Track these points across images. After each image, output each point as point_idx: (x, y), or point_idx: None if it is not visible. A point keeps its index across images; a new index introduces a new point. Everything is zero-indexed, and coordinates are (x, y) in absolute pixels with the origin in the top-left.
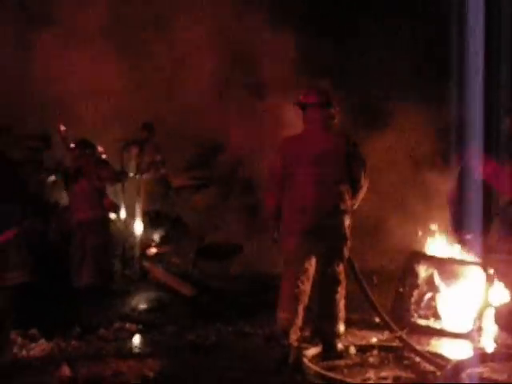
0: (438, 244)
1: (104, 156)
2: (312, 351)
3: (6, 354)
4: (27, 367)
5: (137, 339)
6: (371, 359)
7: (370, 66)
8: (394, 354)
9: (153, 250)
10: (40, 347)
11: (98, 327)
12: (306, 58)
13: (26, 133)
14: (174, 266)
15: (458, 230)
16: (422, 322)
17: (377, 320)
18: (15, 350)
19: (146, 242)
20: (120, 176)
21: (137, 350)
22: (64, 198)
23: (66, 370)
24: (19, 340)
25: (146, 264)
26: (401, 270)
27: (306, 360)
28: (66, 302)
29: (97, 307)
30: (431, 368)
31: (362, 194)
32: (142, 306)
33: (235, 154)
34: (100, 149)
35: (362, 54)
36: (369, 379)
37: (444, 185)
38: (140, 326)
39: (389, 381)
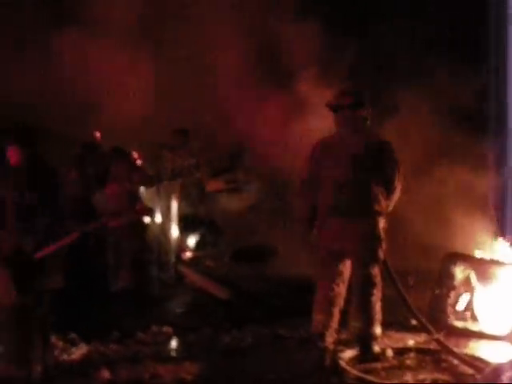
0: (477, 245)
1: (139, 161)
2: (348, 354)
3: (47, 357)
4: (68, 371)
5: (174, 342)
6: (408, 362)
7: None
8: (432, 357)
9: (188, 254)
10: (80, 351)
11: (135, 331)
12: (333, 57)
13: (71, 138)
14: (209, 270)
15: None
16: (460, 324)
17: (413, 322)
18: (56, 353)
19: (181, 246)
20: (152, 180)
21: (174, 354)
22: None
23: (105, 373)
24: (60, 344)
25: (182, 268)
26: (437, 271)
27: (342, 363)
28: (104, 306)
29: (134, 311)
30: (470, 371)
31: (396, 196)
32: (179, 310)
33: (266, 156)
34: (135, 154)
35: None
36: (406, 382)
37: (482, 183)
38: (177, 330)
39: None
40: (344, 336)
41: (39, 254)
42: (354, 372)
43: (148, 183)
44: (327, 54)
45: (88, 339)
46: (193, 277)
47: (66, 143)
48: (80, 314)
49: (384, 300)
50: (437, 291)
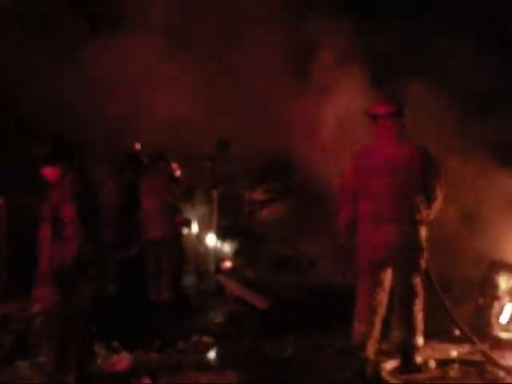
0: None
1: (178, 172)
2: (390, 364)
3: (90, 365)
4: (110, 379)
5: (214, 352)
6: (452, 373)
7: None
8: (476, 368)
9: (227, 264)
10: (116, 357)
11: (176, 340)
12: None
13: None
14: (248, 279)
15: None
16: (505, 335)
17: (457, 333)
18: (99, 361)
19: (220, 256)
20: (192, 193)
21: (214, 363)
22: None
23: (147, 382)
24: (102, 352)
25: (221, 278)
26: (480, 280)
27: (383, 374)
28: (145, 315)
29: (174, 321)
30: None
31: (438, 205)
32: (218, 320)
33: (305, 165)
34: (174, 165)
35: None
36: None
37: None
38: (217, 339)
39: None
40: (385, 346)
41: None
42: (396, 383)
43: (188, 197)
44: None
45: (130, 348)
46: (232, 286)
47: (105, 154)
48: (122, 323)
49: (426, 310)
50: (480, 301)
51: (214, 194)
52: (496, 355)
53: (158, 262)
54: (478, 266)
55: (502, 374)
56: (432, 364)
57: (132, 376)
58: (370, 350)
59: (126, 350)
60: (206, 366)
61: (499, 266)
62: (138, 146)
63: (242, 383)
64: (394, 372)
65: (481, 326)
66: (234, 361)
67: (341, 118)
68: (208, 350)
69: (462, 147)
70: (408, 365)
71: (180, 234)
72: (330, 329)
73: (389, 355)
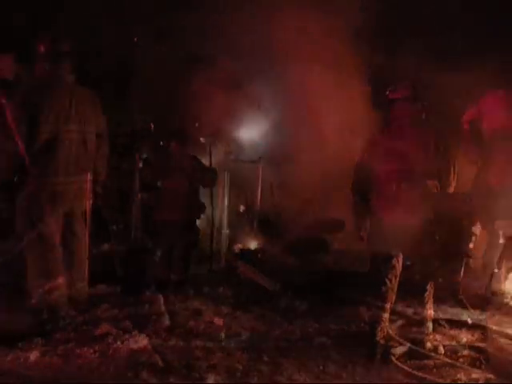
0: None
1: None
2: (399, 349)
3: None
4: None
5: (224, 334)
6: (461, 360)
7: None
8: (485, 355)
9: (239, 246)
10: (133, 339)
11: (187, 321)
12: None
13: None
14: (260, 262)
15: None
16: None
17: (468, 321)
18: (110, 340)
19: (232, 239)
20: (215, 179)
21: (224, 344)
22: None
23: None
24: (113, 331)
25: (233, 260)
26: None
27: (393, 358)
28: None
29: (186, 302)
30: None
31: (451, 190)
32: (230, 302)
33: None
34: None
35: None
36: (459, 380)
37: None
38: (227, 321)
39: (480, 382)
40: (396, 331)
41: None
42: (405, 368)
43: (214, 181)
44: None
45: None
46: (243, 269)
47: None
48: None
49: (436, 296)
50: (496, 271)
51: (227, 175)
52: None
53: (170, 243)
54: None
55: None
56: (441, 350)
57: (143, 355)
58: (380, 334)
59: (137, 329)
60: (216, 347)
61: None
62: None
63: (250, 364)
64: (404, 357)
65: (494, 295)
66: (245, 343)
67: None
68: (218, 331)
69: None
70: (418, 350)
71: (194, 218)
72: (340, 313)
73: (398, 340)
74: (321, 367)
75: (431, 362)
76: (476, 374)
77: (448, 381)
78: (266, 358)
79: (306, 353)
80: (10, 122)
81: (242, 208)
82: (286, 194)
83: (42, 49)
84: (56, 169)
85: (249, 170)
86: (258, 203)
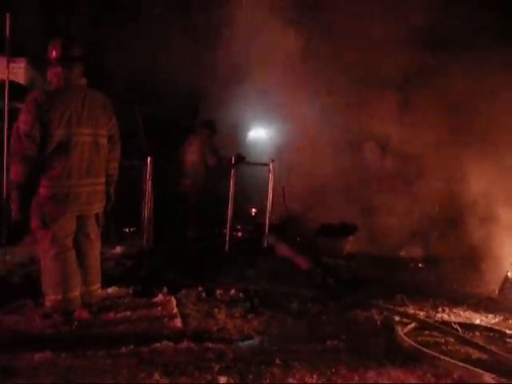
0: None
1: None
2: (411, 325)
3: None
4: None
5: (249, 303)
6: (474, 339)
7: None
8: (498, 337)
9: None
10: (146, 340)
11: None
12: None
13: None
14: (294, 243)
15: None
16: None
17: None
18: (122, 342)
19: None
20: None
21: (245, 313)
22: None
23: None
24: (127, 333)
25: (272, 239)
26: None
27: (400, 333)
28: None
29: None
30: None
31: None
32: (262, 275)
33: None
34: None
35: None
36: (468, 359)
37: None
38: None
39: (487, 362)
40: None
41: None
42: (411, 343)
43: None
44: None
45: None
46: (280, 247)
47: None
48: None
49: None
50: (509, 274)
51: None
52: None
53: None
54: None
55: None
56: (454, 328)
57: (165, 317)
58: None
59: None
60: (237, 314)
61: None
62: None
63: (266, 331)
64: (415, 332)
65: (507, 298)
66: (265, 313)
67: None
68: (244, 300)
69: None
70: (428, 326)
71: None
72: (361, 291)
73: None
74: (333, 370)
75: (442, 340)
76: (487, 377)
77: (456, 359)
78: (277, 361)
79: (317, 355)
80: (22, 126)
81: (253, 211)
82: (297, 197)
83: (54, 54)
84: (69, 171)
85: (260, 173)
86: (269, 207)
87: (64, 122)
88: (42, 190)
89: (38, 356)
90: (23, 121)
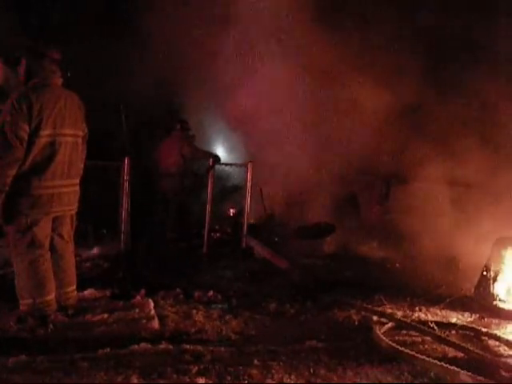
0: None
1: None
2: (389, 325)
3: None
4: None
5: (227, 305)
6: (450, 338)
7: None
8: (474, 335)
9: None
10: (123, 343)
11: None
12: None
13: None
14: (273, 244)
15: None
16: (505, 306)
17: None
18: (99, 344)
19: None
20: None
21: (223, 314)
22: None
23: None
24: (103, 336)
25: (250, 240)
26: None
27: (378, 332)
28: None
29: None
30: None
31: None
32: (240, 275)
33: None
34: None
35: None
36: (444, 357)
37: None
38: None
39: (463, 360)
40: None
41: None
42: (388, 342)
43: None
44: None
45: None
46: (257, 247)
47: None
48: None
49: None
50: (484, 273)
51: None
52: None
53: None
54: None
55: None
56: (431, 327)
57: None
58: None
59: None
60: (215, 315)
61: (506, 241)
62: None
63: (244, 332)
64: (392, 331)
65: (483, 297)
66: (243, 314)
67: None
68: (222, 302)
69: None
70: (405, 326)
71: None
72: (336, 291)
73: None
74: (311, 370)
75: (419, 339)
76: (463, 376)
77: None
78: (256, 362)
79: (296, 356)
80: (6, 128)
81: (231, 211)
82: (275, 198)
83: (39, 55)
84: (53, 172)
85: (238, 174)
86: (247, 207)
87: (50, 123)
88: (26, 192)
89: (12, 360)
90: (10, 121)
